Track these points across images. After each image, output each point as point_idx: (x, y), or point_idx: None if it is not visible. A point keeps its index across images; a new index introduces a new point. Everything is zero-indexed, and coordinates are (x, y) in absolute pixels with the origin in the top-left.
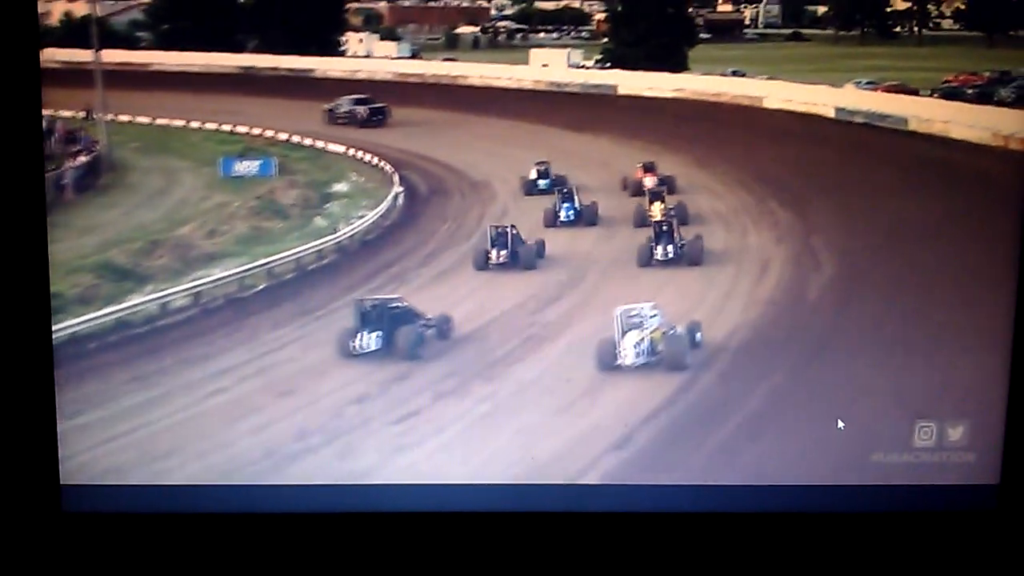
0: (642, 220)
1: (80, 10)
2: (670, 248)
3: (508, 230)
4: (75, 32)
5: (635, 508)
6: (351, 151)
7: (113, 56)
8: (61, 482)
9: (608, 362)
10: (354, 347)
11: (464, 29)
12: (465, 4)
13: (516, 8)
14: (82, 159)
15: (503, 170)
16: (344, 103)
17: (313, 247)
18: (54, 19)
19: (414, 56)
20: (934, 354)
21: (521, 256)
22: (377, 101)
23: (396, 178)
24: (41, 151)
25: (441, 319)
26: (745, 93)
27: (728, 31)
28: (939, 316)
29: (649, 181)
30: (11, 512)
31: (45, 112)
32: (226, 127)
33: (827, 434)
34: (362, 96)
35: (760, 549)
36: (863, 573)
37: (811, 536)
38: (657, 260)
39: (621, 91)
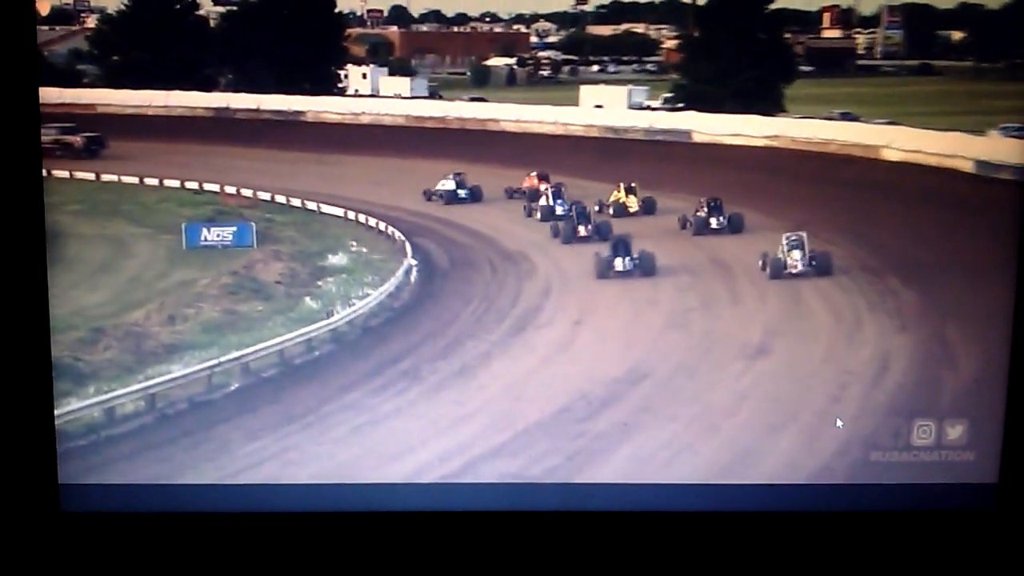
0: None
1: None
2: None
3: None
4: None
5: (635, 507)
6: (351, 214)
7: (47, 95)
8: (60, 481)
9: (779, 271)
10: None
11: (496, 61)
12: (498, 29)
13: (563, 34)
14: None
15: (542, 237)
16: None
17: (301, 336)
18: None
19: (432, 96)
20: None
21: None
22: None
23: (408, 248)
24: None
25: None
26: (858, 141)
27: (836, 62)
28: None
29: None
30: (10, 511)
31: None
32: (192, 184)
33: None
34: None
35: (759, 548)
36: (862, 572)
37: (810, 535)
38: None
39: (697, 138)
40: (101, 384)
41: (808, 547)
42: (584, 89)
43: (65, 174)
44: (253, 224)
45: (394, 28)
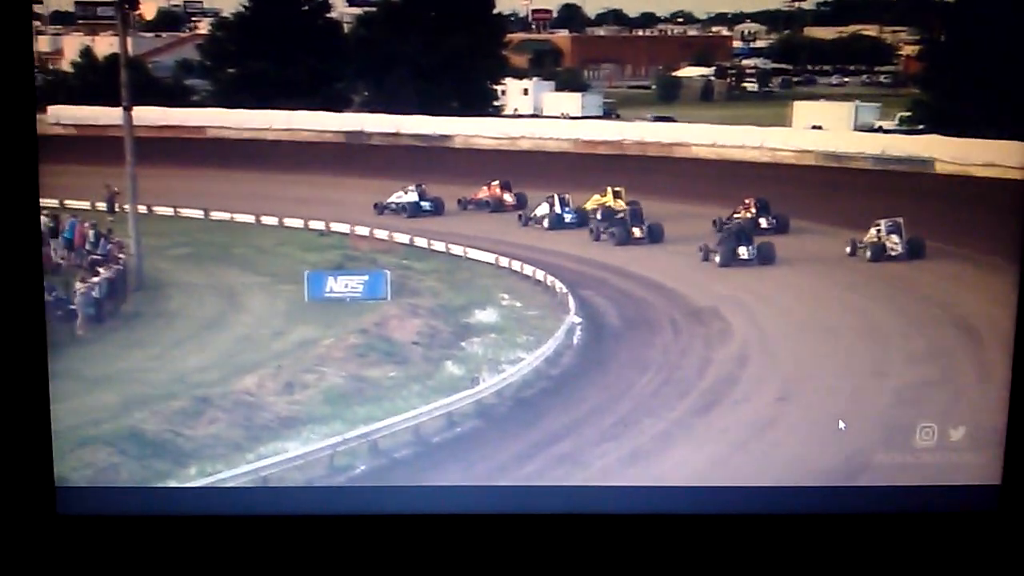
0: None
1: (103, 47)
2: None
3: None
4: (95, 80)
5: (635, 509)
6: (503, 260)
7: (151, 115)
8: (56, 484)
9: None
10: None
11: (689, 71)
12: (692, 32)
13: (773, 37)
14: (99, 275)
15: (739, 288)
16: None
17: (441, 408)
18: (64, 60)
19: (607, 115)
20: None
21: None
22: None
23: (572, 302)
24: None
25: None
26: None
27: None
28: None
29: None
30: (6, 514)
31: (45, 202)
32: (317, 224)
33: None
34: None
35: (761, 550)
36: (864, 574)
37: (812, 537)
38: None
39: (941, 168)
40: (204, 464)
41: (811, 549)
42: (798, 106)
43: (169, 211)
44: (387, 272)
45: (564, 32)
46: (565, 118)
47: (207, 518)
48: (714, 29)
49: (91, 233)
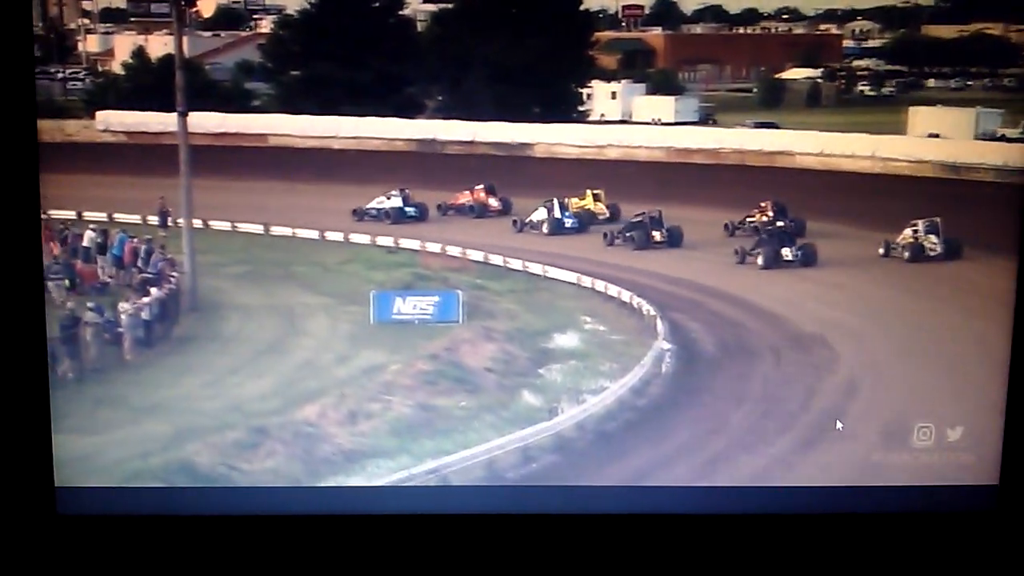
0: None
1: (157, 47)
2: None
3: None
4: (148, 83)
5: (635, 510)
6: (586, 280)
7: (208, 122)
8: (56, 484)
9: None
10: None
11: (794, 73)
12: (799, 30)
13: (888, 36)
14: (151, 294)
15: (849, 313)
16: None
17: (517, 441)
18: (115, 61)
19: (703, 121)
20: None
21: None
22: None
23: (661, 326)
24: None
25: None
26: None
27: None
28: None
29: None
30: (6, 514)
31: (91, 215)
32: (385, 240)
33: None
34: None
35: (759, 550)
36: (862, 574)
37: (810, 537)
38: None
39: None
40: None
41: (809, 549)
42: (914, 112)
43: (226, 225)
44: (460, 293)
45: (657, 30)
46: (657, 124)
47: (207, 518)
48: (823, 27)
49: (142, 249)
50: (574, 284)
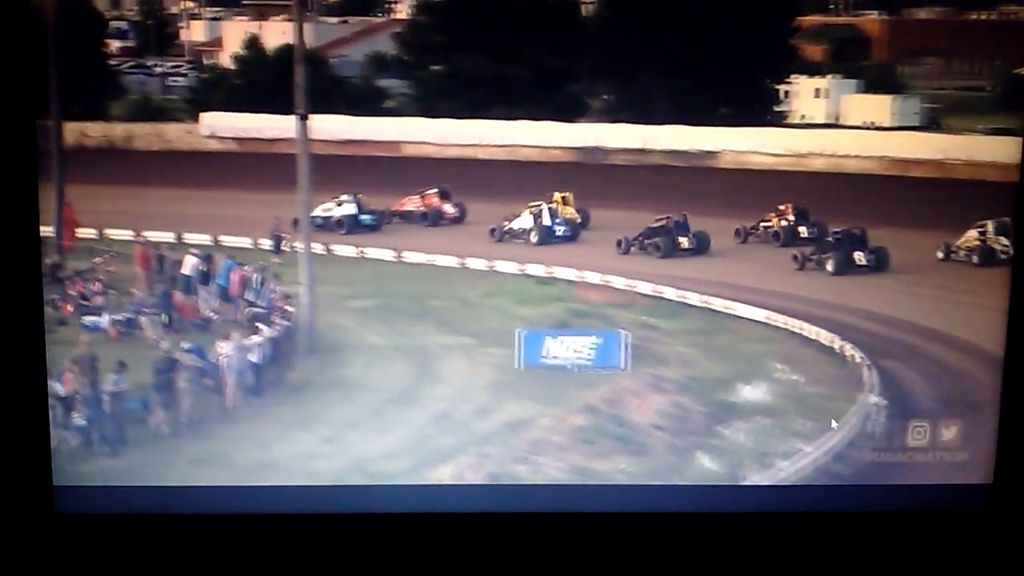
0: None
1: (274, 35)
2: None
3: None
4: (262, 79)
5: (635, 508)
6: (779, 319)
7: (333, 126)
8: (54, 483)
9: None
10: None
11: None
12: None
13: None
14: (260, 333)
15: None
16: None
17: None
18: (223, 53)
19: (927, 126)
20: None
21: None
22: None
23: (869, 376)
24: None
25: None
26: None
27: None
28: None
29: None
30: (5, 513)
31: (193, 238)
32: (537, 269)
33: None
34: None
35: (756, 549)
36: (857, 572)
37: (806, 536)
38: None
39: None
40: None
41: (804, 548)
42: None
43: (351, 251)
44: (624, 333)
45: (873, 15)
46: (871, 129)
47: (206, 517)
48: None
49: (252, 279)
50: (762, 323)
